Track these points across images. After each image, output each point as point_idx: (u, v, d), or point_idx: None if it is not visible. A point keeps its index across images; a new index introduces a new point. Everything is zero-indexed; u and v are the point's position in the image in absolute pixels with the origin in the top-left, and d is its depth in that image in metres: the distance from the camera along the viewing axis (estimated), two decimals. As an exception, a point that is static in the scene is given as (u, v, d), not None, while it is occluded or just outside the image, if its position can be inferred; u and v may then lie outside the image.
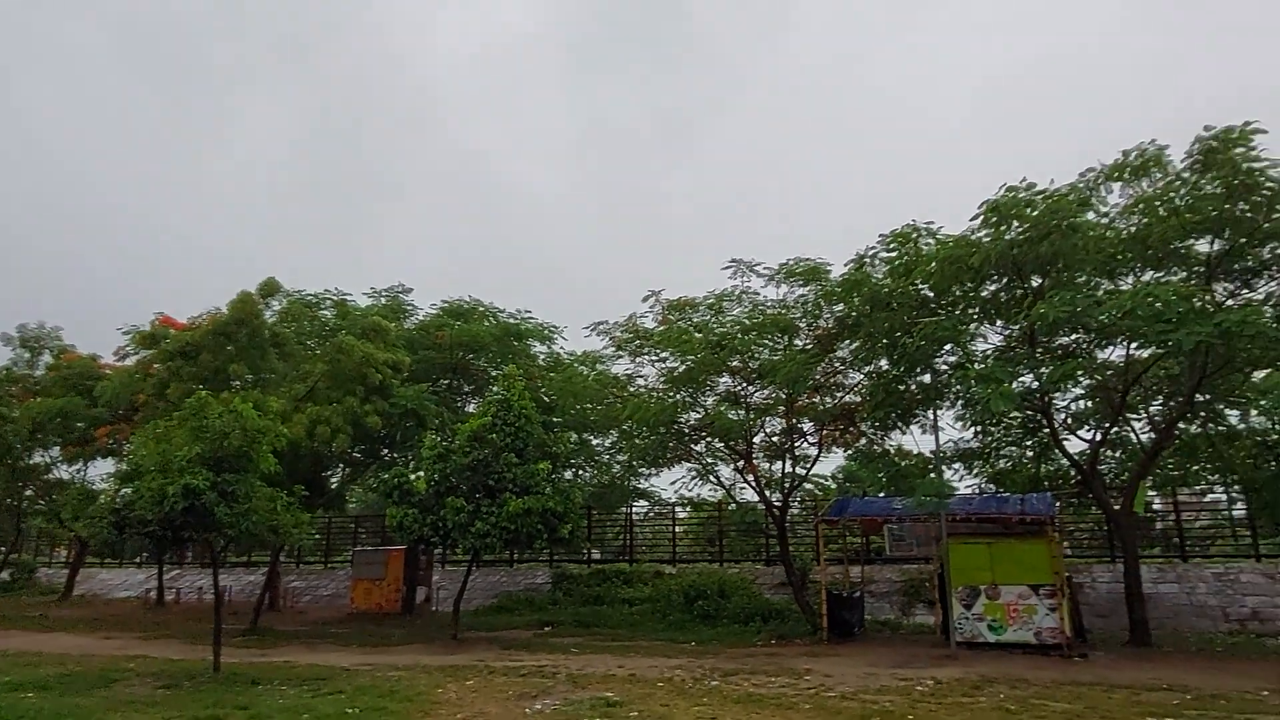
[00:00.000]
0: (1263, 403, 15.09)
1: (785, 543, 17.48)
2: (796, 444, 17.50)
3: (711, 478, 18.15)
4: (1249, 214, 13.15)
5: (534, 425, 16.23)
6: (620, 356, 18.41)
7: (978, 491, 17.24)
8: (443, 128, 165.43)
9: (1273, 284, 14.47)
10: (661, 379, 17.44)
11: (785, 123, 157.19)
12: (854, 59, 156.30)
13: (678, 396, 17.13)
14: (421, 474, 16.71)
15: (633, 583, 21.42)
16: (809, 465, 18.04)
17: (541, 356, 23.37)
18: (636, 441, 18.10)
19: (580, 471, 22.22)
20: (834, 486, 25.26)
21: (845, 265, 15.67)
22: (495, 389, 17.34)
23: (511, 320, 22.90)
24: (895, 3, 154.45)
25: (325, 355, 18.97)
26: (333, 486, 23.20)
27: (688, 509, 24.58)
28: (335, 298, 22.65)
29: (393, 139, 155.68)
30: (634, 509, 25.30)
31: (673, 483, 18.49)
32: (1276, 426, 15.44)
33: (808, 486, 23.98)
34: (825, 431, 17.38)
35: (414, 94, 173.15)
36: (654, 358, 17.55)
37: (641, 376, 18.24)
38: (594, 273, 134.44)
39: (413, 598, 22.86)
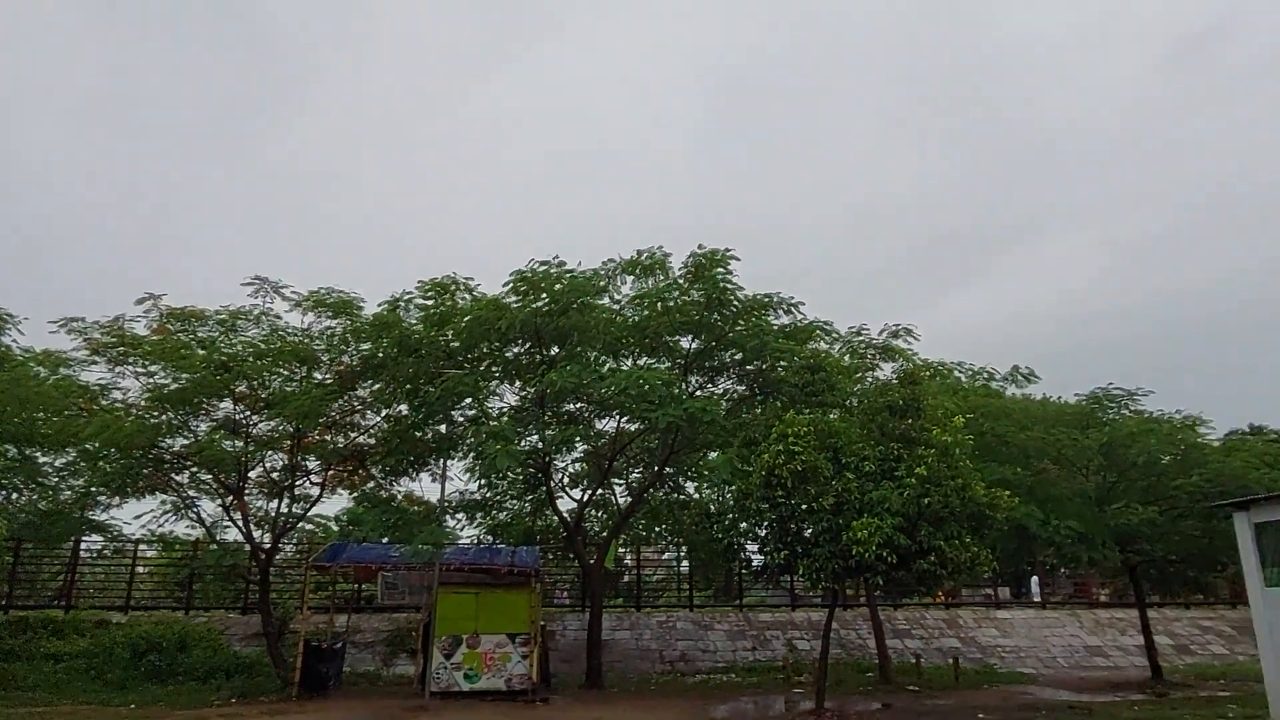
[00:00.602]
0: (709, 477, 18.31)
1: (267, 589, 16.02)
2: (299, 482, 16.32)
3: (191, 513, 15.96)
4: (720, 323, 15.93)
5: (-52, 433, 12.70)
6: (95, 362, 15.47)
7: (476, 542, 17.83)
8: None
9: (730, 382, 17.73)
10: (147, 395, 15.01)
11: (344, 149, 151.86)
12: (426, 109, 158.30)
13: (164, 418, 14.89)
14: None
15: (66, 634, 17.65)
16: (309, 505, 16.93)
17: (-16, 348, 18.53)
18: (102, 465, 15.23)
19: (14, 495, 17.91)
20: (336, 529, 24.09)
21: (379, 305, 15.32)
22: (-104, 380, 13.24)
23: (-56, 297, 17.84)
24: (478, 59, 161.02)
25: None
26: None
27: (156, 547, 21.28)
28: None
29: None
30: (83, 544, 21.12)
31: (138, 516, 15.75)
32: (717, 498, 18.73)
33: (308, 528, 22.54)
34: (332, 471, 16.53)
35: None
36: (140, 370, 15.06)
37: (120, 389, 15.54)
38: (84, 260, 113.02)
39: None
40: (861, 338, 18.75)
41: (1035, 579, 27.81)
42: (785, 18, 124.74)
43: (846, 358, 18.54)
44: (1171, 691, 16.07)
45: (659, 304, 15.74)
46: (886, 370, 18.35)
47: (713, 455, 18.56)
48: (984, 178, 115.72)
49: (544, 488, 17.47)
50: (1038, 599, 26.25)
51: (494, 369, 16.30)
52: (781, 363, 16.12)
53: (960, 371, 20.55)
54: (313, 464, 16.29)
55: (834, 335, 18.26)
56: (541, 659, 15.33)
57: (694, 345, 16.53)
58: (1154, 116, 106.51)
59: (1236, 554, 12.45)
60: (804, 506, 13.74)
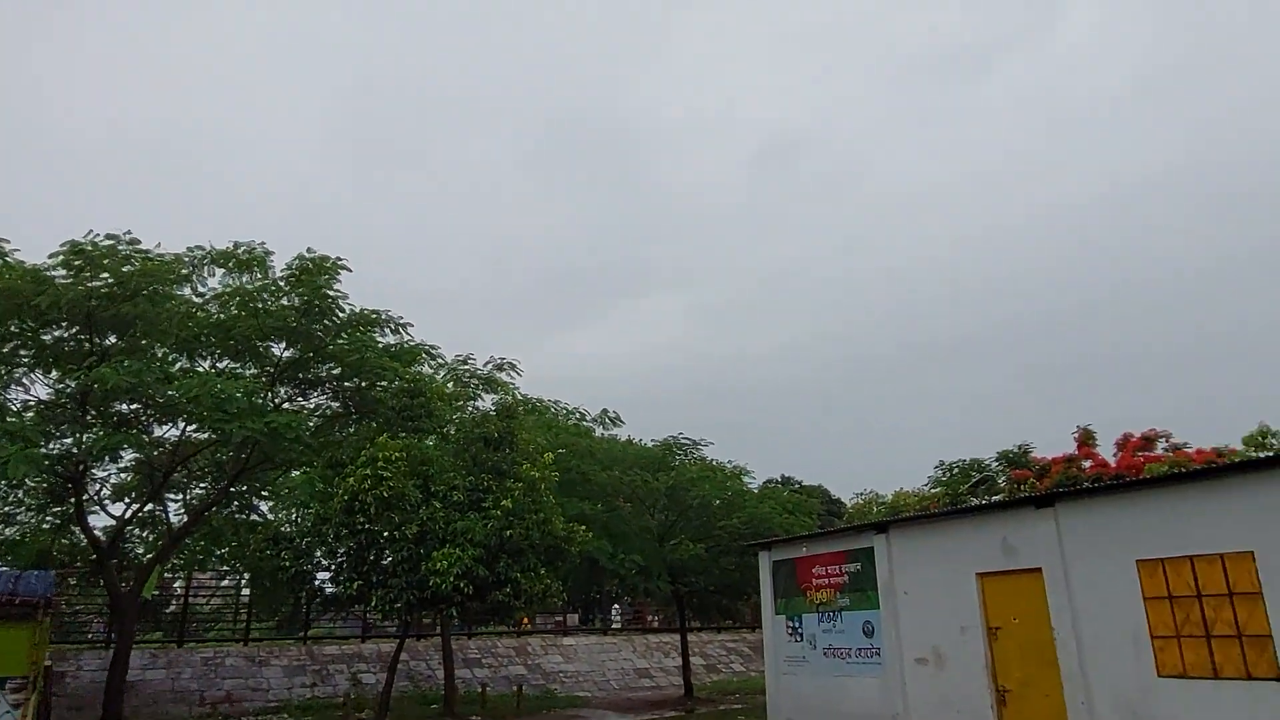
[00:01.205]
0: (288, 497, 16.89)
1: None
2: None
3: None
4: (320, 334, 14.88)
5: None
6: None
7: (-35, 565, 14.31)
8: None
9: (324, 397, 16.59)
10: None
11: None
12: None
13: None
14: None
15: None
16: None
17: None
18: None
19: None
20: None
21: None
22: None
23: None
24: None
25: None
26: None
27: None
28: None
29: None
30: None
31: None
32: (294, 521, 17.27)
33: None
34: None
35: None
36: None
37: None
38: None
39: None
40: (467, 367, 18.89)
41: (616, 606, 30.44)
42: (425, 37, 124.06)
43: (450, 385, 18.50)
44: (699, 707, 18.27)
45: (251, 304, 14.24)
46: (488, 401, 18.65)
47: (295, 474, 17.16)
48: (605, 230, 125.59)
49: (74, 501, 14.63)
50: (617, 625, 28.61)
51: (23, 353, 13.39)
52: (382, 382, 15.55)
53: (556, 409, 21.67)
54: None
55: (440, 361, 18.16)
56: (40, 707, 12.64)
57: (288, 354, 15.24)
58: (745, 204, 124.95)
59: (759, 585, 14.63)
60: (386, 534, 13.30)
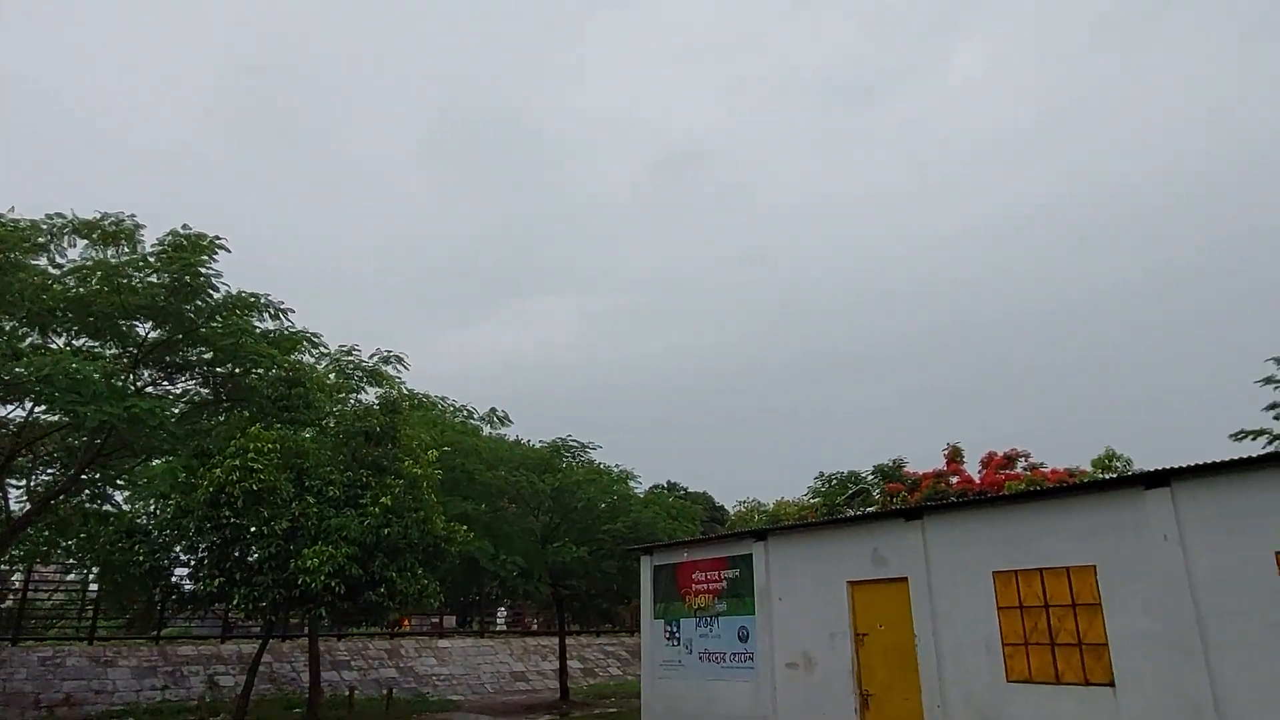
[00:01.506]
0: (147, 487, 15.85)
1: None
2: None
3: None
4: (192, 315, 14.03)
5: None
6: None
7: None
8: None
9: (194, 382, 15.65)
10: None
11: None
12: None
13: None
14: None
15: None
16: None
17: None
18: None
19: None
20: None
21: None
22: None
23: None
24: None
25: None
26: None
27: None
28: None
29: None
30: None
31: None
32: (153, 513, 16.21)
33: None
34: None
35: None
36: None
37: None
38: None
39: None
40: (351, 358, 18.21)
41: (501, 609, 30.11)
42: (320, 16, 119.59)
43: (332, 376, 17.81)
44: (573, 710, 18.21)
45: (115, 279, 13.29)
46: (371, 395, 18.03)
47: (155, 463, 16.13)
48: (500, 228, 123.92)
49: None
50: (502, 627, 28.24)
51: None
52: (258, 369, 14.81)
53: (443, 406, 21.19)
54: None
55: (323, 350, 17.43)
56: None
57: (154, 335, 14.30)
58: (643, 210, 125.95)
59: (640, 589, 14.70)
60: (253, 529, 12.67)
